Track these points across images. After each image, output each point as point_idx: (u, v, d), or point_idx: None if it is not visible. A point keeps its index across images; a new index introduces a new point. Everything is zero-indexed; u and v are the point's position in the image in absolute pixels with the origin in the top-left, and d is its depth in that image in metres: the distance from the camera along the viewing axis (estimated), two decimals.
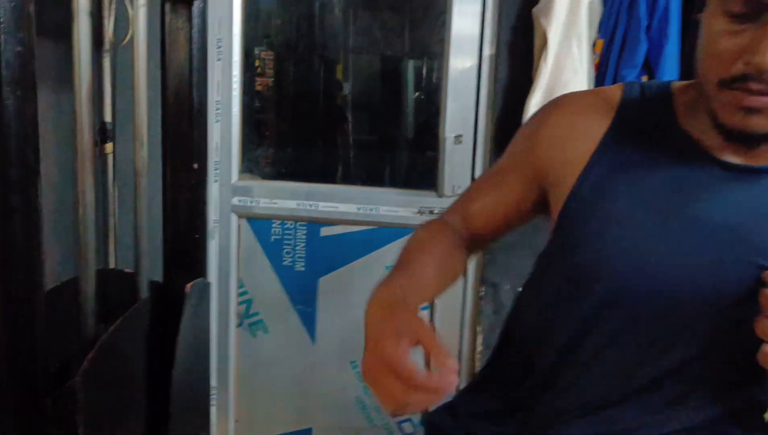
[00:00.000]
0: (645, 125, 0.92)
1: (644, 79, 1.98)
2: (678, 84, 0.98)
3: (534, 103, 2.01)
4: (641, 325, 0.87)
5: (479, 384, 1.12)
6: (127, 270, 1.52)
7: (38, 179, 1.01)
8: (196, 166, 1.55)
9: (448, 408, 1.08)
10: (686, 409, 0.89)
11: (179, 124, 1.47)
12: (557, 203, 0.94)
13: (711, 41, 0.79)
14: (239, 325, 2.45)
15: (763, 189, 0.85)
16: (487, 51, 2.24)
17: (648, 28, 1.97)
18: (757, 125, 0.78)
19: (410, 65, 3.00)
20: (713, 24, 0.79)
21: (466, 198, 1.10)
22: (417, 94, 2.99)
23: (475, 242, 1.07)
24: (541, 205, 1.01)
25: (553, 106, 1.03)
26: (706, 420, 0.90)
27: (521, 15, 2.15)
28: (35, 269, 1.02)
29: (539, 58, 2.03)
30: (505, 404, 1.02)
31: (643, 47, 1.98)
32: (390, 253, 2.30)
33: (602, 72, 2.04)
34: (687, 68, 2.00)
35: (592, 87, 2.02)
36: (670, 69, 1.97)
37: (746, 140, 0.82)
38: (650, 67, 1.99)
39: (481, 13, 2.23)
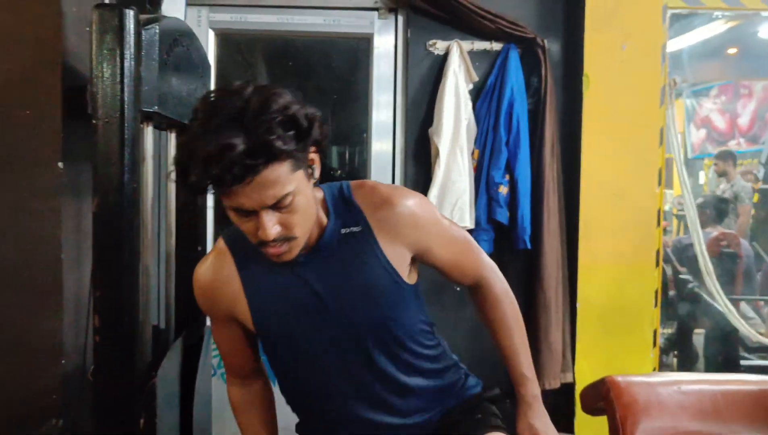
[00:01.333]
0: (247, 255, 1.48)
1: (506, 178, 2.85)
2: None
3: (432, 195, 2.82)
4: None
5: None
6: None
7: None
8: (200, 248, 2.26)
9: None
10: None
11: (192, 224, 2.19)
12: (248, 322, 1.53)
13: (237, 225, 1.35)
14: (213, 374, 3.08)
15: (327, 251, 1.45)
16: (399, 138, 3.06)
17: (507, 142, 2.85)
18: (285, 258, 1.37)
19: (334, 150, 3.70)
20: (231, 216, 1.33)
21: (223, 358, 1.72)
22: (339, 172, 3.64)
23: (251, 369, 1.70)
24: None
25: (195, 276, 1.59)
26: None
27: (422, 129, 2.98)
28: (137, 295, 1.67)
29: (434, 163, 2.87)
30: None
31: (504, 155, 2.85)
32: None
33: (478, 173, 2.89)
34: (535, 166, 2.88)
35: (473, 188, 2.87)
36: (522, 168, 2.84)
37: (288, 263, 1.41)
38: (510, 168, 2.86)
39: (392, 89, 3.05)
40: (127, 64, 1.57)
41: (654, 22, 2.88)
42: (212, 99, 1.28)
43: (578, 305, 2.89)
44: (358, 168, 3.36)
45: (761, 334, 3.63)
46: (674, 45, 4.80)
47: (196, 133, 1.23)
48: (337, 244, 1.44)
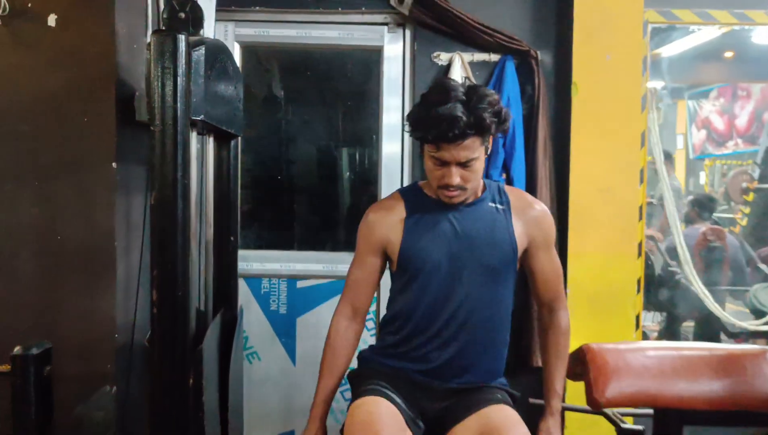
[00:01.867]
0: (418, 203, 2.04)
1: (503, 177, 3.16)
2: (422, 183, 2.13)
3: None
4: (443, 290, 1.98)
5: (384, 341, 2.13)
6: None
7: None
8: (232, 238, 2.58)
9: (371, 348, 2.13)
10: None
11: (224, 222, 2.50)
12: (394, 254, 2.04)
13: (429, 170, 1.94)
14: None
15: (473, 211, 2.00)
16: (408, 141, 3.36)
17: (504, 144, 3.16)
18: (454, 200, 1.93)
19: (345, 152, 3.99)
20: (427, 162, 1.94)
21: (350, 290, 2.13)
22: (349, 175, 3.93)
23: (363, 311, 2.15)
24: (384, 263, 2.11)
25: (368, 211, 2.11)
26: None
27: None
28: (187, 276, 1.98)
29: None
30: (397, 350, 2.06)
31: (501, 155, 3.16)
32: None
33: None
34: (529, 165, 3.19)
35: None
36: (518, 167, 3.15)
37: (452, 205, 1.97)
38: (507, 167, 3.17)
39: (401, 96, 3.36)
40: (179, 80, 1.88)
41: (635, 35, 3.18)
42: (444, 83, 1.92)
43: (568, 290, 3.20)
44: (369, 167, 3.67)
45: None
46: (673, 49, 5.10)
47: (434, 102, 1.84)
48: (484, 210, 2.02)
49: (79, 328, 2.38)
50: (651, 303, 4.44)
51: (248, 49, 3.45)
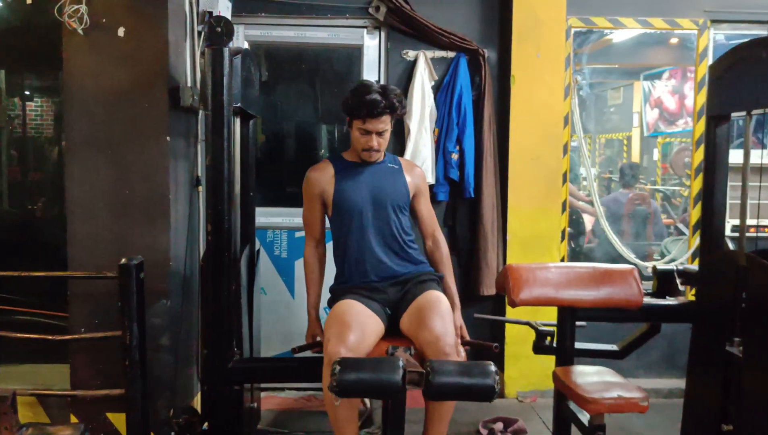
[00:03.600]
0: (343, 165, 2.95)
1: (457, 148, 4.06)
2: (343, 153, 3.05)
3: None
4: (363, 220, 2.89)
5: (340, 270, 3.00)
6: None
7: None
8: (251, 194, 3.45)
9: (335, 282, 3.00)
10: None
11: (246, 181, 3.36)
12: (329, 201, 2.94)
13: (356, 138, 2.89)
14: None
15: (378, 168, 2.94)
16: None
17: (458, 123, 4.06)
18: (373, 158, 2.89)
19: (332, 127, 4.77)
20: (355, 133, 2.89)
21: (308, 229, 3.04)
22: (334, 145, 4.76)
23: (321, 239, 3.05)
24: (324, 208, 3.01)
25: (308, 172, 3.00)
26: None
27: None
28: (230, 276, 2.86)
29: (407, 138, 4.06)
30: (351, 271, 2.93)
31: (455, 132, 4.05)
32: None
33: (438, 145, 4.10)
34: (477, 139, 4.09)
35: (434, 155, 4.06)
36: (468, 141, 4.05)
37: (366, 162, 2.92)
38: (460, 141, 4.06)
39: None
40: (225, 80, 2.73)
41: (560, 38, 4.08)
42: (367, 82, 2.88)
43: (507, 236, 4.12)
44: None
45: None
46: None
47: (363, 93, 2.77)
48: (387, 168, 2.96)
49: (143, 258, 3.22)
50: (582, 253, 5.40)
51: (255, 46, 4.29)
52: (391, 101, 2.78)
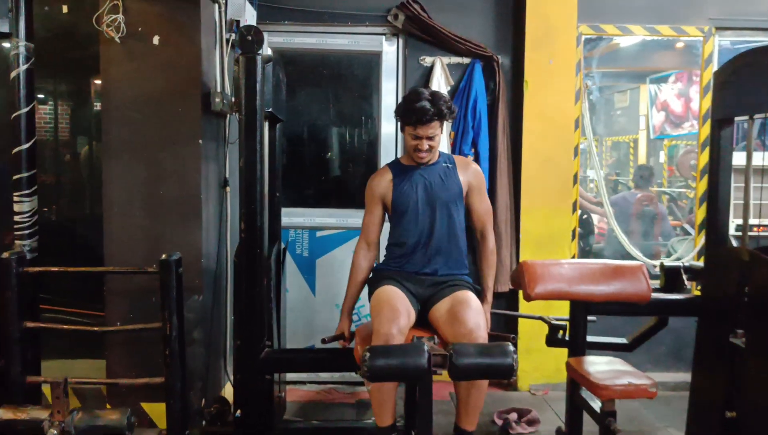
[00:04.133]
0: (399, 170, 3.13)
1: (472, 151, 4.23)
2: (399, 157, 3.28)
3: None
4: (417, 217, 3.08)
5: (390, 255, 3.19)
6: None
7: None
8: (278, 194, 3.62)
9: (382, 262, 3.19)
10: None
11: (273, 183, 3.53)
12: (389, 204, 3.13)
13: (408, 143, 3.08)
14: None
15: (433, 169, 3.11)
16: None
17: (473, 126, 4.22)
18: (425, 160, 3.06)
19: (353, 131, 4.88)
20: (407, 137, 3.08)
21: (364, 231, 3.21)
22: (356, 148, 4.92)
23: (374, 244, 3.22)
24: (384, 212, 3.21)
25: (370, 179, 3.21)
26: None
27: None
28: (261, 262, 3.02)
29: None
30: (400, 259, 3.13)
31: (471, 135, 4.22)
32: (353, 244, 4.36)
33: (454, 147, 4.27)
34: (491, 142, 4.26)
35: (452, 153, 4.23)
36: (483, 143, 4.22)
37: (421, 164, 3.09)
38: (475, 143, 4.23)
39: (395, 90, 4.42)
40: (258, 86, 2.90)
41: (571, 45, 4.24)
42: (417, 90, 3.05)
43: (521, 235, 4.29)
44: (371, 142, 4.70)
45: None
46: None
47: (413, 100, 2.96)
48: (440, 168, 3.12)
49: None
50: (592, 252, 5.55)
51: (278, 53, 4.46)
52: (440, 108, 2.95)
